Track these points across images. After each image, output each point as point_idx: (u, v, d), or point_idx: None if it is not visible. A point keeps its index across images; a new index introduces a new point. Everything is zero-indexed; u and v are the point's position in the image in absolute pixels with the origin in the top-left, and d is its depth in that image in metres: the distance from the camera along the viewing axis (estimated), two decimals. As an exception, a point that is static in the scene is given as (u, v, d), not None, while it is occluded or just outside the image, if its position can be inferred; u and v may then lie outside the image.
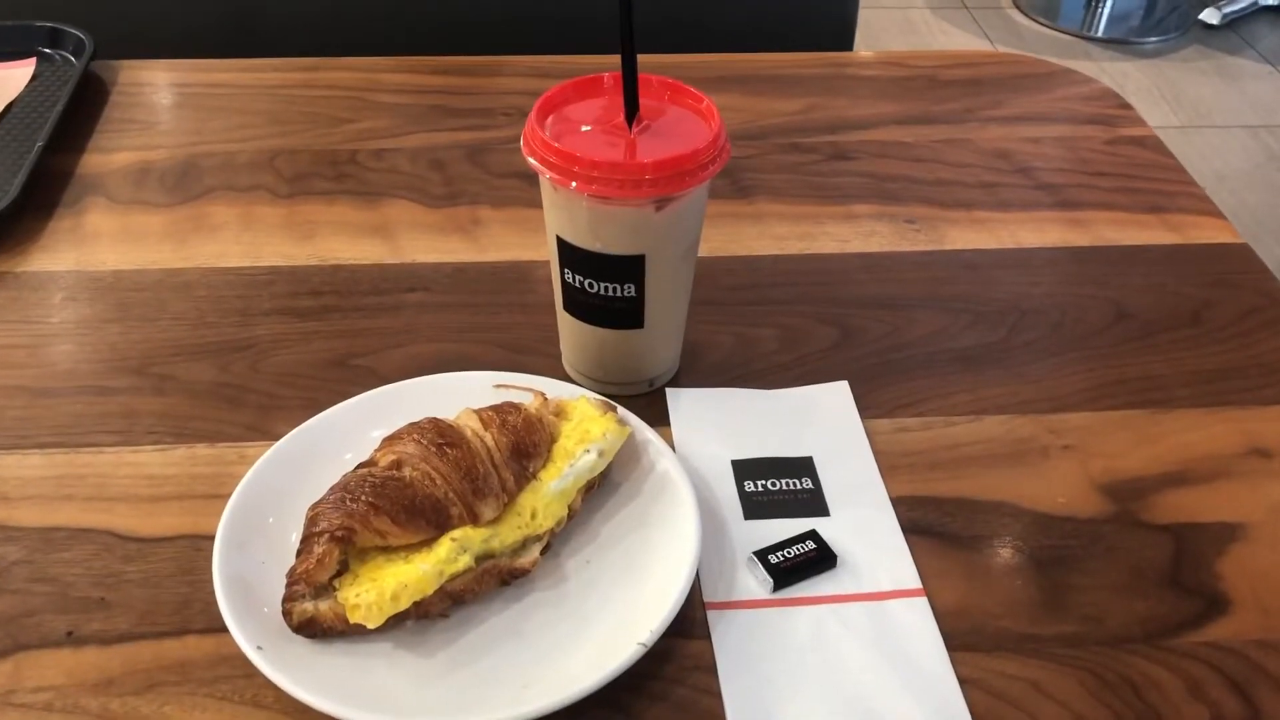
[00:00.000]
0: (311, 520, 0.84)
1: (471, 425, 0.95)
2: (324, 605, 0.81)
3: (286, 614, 0.81)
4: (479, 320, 1.23)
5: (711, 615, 0.86)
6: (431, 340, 1.20)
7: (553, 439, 0.98)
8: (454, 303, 1.26)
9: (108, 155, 1.51)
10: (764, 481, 1.04)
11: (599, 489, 0.94)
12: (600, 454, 0.97)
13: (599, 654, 0.79)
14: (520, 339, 1.21)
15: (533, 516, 0.87)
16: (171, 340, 1.20)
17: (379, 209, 1.41)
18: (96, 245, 1.35)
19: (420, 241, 1.35)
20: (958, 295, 1.29)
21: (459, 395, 1.00)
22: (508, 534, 0.86)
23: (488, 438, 0.94)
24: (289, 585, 0.82)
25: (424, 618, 0.84)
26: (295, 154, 1.51)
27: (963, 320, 1.26)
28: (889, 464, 1.06)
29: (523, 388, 1.05)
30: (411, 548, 0.84)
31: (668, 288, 1.06)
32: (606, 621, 0.84)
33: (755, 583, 0.88)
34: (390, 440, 0.94)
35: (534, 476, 0.91)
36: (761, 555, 0.89)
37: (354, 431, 1.00)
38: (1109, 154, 1.58)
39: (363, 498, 0.88)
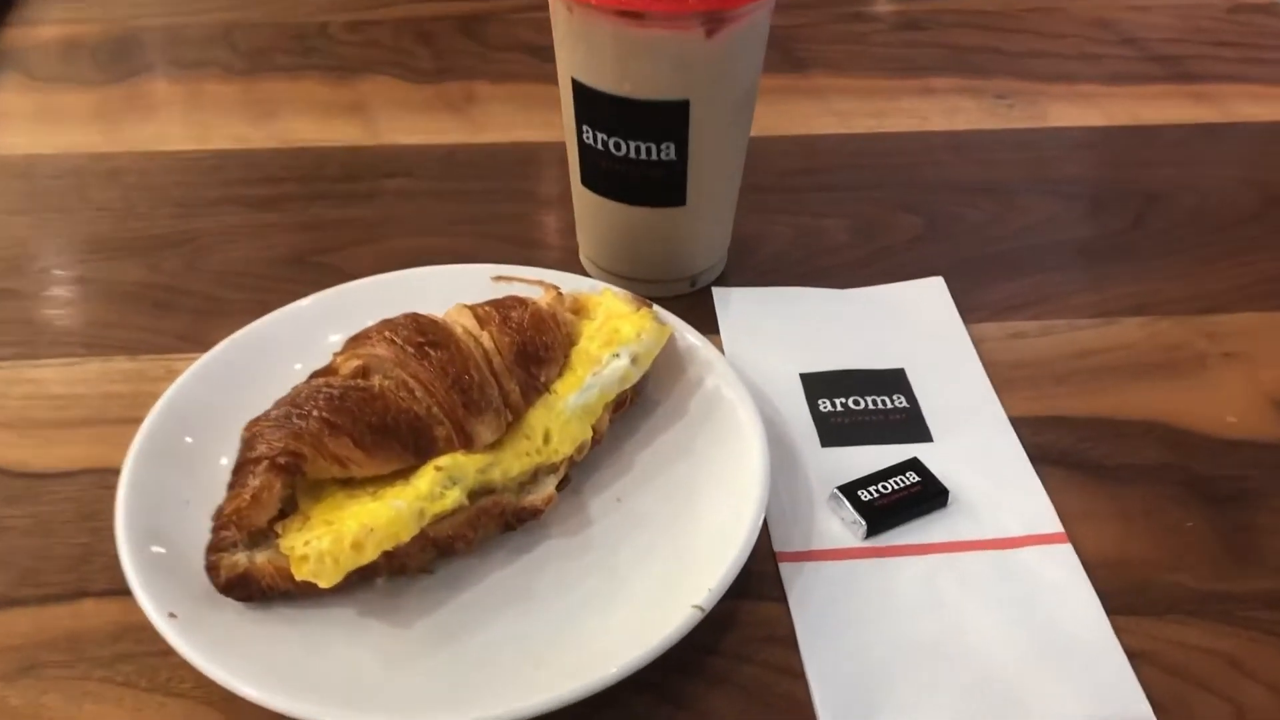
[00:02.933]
0: (248, 443, 0.62)
1: (463, 322, 0.73)
2: (261, 557, 0.61)
3: (211, 568, 0.60)
4: (473, 210, 1.01)
5: (785, 569, 0.67)
6: (414, 234, 0.99)
7: (570, 342, 0.76)
8: (443, 190, 1.04)
9: (32, 28, 1.29)
10: (844, 400, 0.81)
11: (632, 408, 0.78)
12: (633, 360, 0.74)
13: (636, 622, 0.63)
14: (525, 231, 0.99)
15: (545, 441, 0.67)
16: (92, 235, 0.99)
17: (353, 86, 1.19)
18: (7, 127, 1.12)
19: (402, 122, 1.13)
20: (1069, 178, 1.07)
21: (446, 293, 0.78)
22: (512, 463, 0.65)
23: (485, 338, 0.72)
24: (215, 530, 0.61)
25: (399, 574, 0.68)
26: (255, 27, 1.30)
27: (1078, 207, 1.03)
28: (1002, 378, 0.84)
29: (530, 280, 0.82)
30: (382, 481, 0.68)
31: (718, 149, 0.84)
32: (645, 579, 0.68)
33: (841, 526, 0.70)
34: (355, 341, 0.72)
35: (546, 389, 0.69)
36: (848, 491, 0.70)
37: (309, 337, 0.79)
38: (1231, 23, 1.35)
39: (315, 413, 0.65)
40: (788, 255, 0.98)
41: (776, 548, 0.71)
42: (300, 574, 0.62)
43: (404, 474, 0.68)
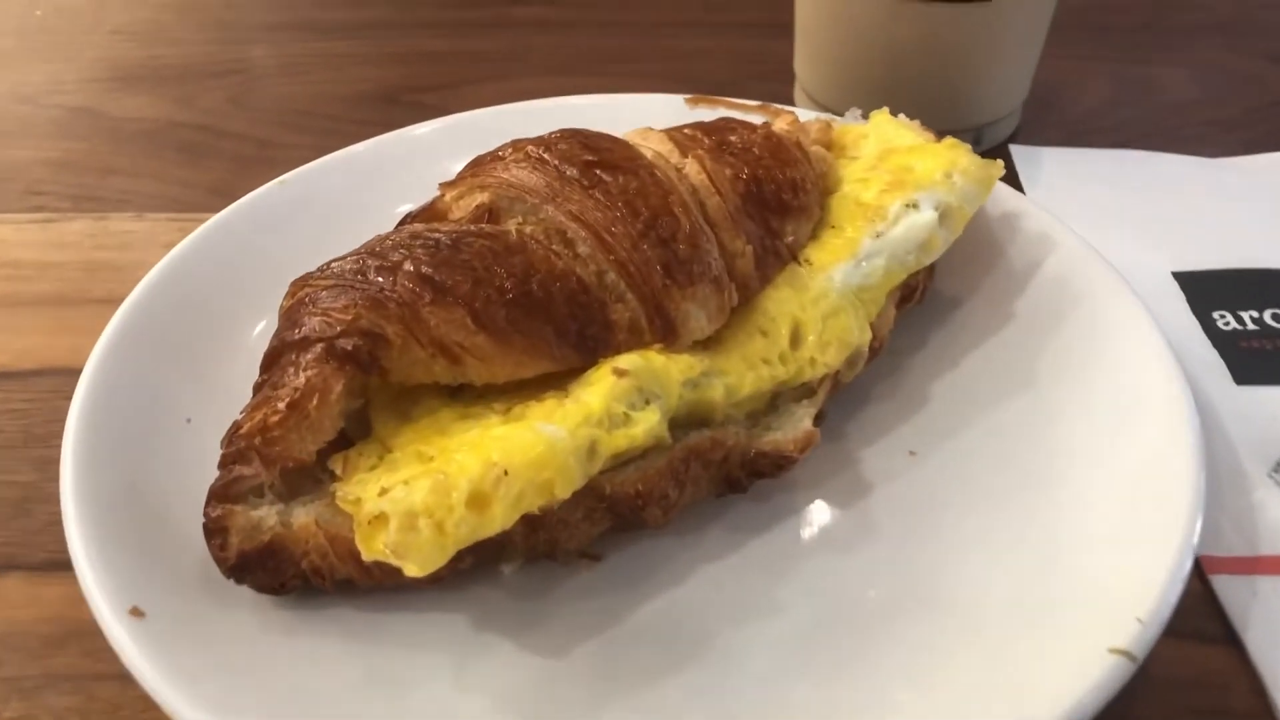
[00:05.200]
0: (289, 315, 0.33)
1: (656, 147, 0.43)
2: (304, 515, 0.31)
3: (215, 529, 0.34)
4: (636, 45, 0.75)
5: (1222, 587, 0.44)
6: (553, 72, 0.72)
7: (826, 186, 0.45)
8: (595, 20, 0.76)
9: None
10: (1256, 314, 0.51)
11: (924, 303, 0.51)
12: (942, 214, 0.44)
13: (992, 683, 0.35)
14: (711, 69, 0.72)
15: (795, 342, 0.42)
16: (106, 58, 0.72)
17: None
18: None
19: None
20: None
21: (619, 128, 0.48)
22: (743, 374, 0.41)
23: (690, 168, 0.42)
24: (225, 463, 0.30)
25: (543, 558, 0.43)
26: None
27: None
28: None
29: (747, 105, 0.52)
30: (519, 392, 0.42)
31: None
32: (990, 601, 0.40)
33: None
34: (477, 166, 0.42)
35: (793, 256, 0.39)
36: None
37: (401, 174, 0.49)
38: None
39: (409, 266, 0.36)
40: (1107, 112, 0.69)
41: (1201, 551, 0.40)
42: (371, 550, 0.33)
43: (557, 382, 0.39)
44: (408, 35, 0.76)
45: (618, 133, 0.50)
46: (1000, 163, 0.49)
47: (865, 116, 0.54)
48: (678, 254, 0.42)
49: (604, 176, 0.43)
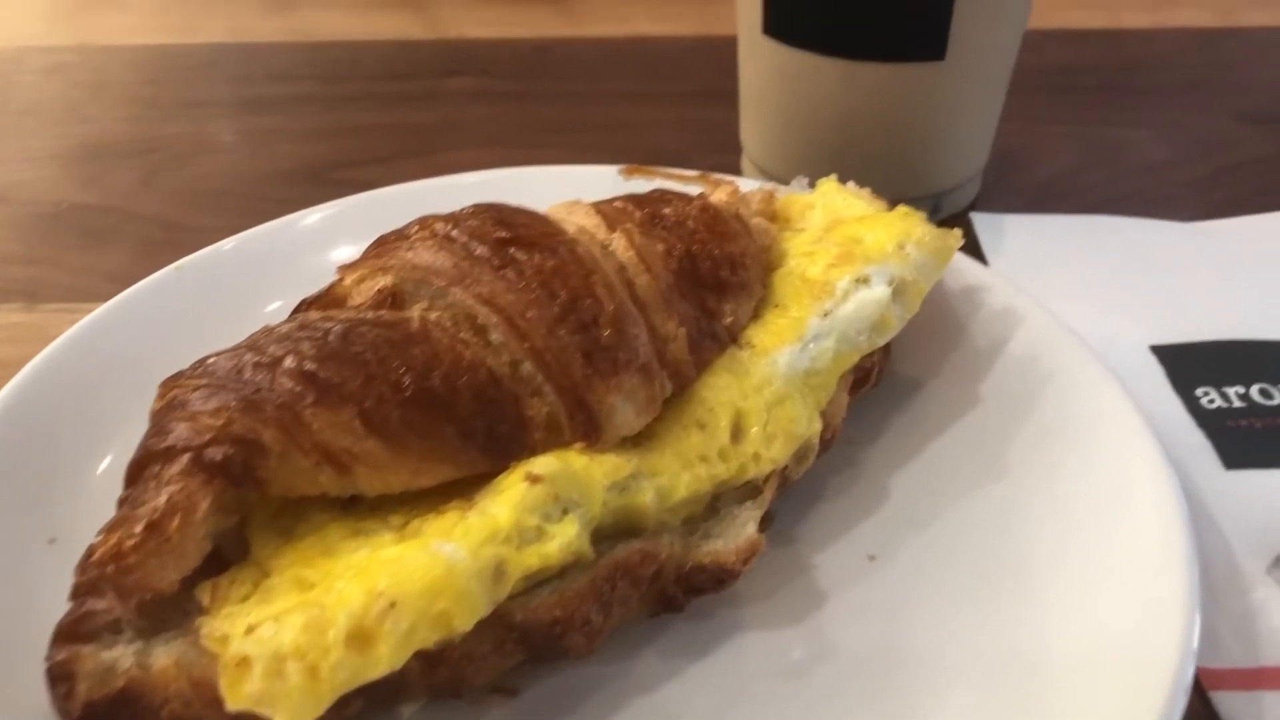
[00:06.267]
0: (158, 421, 0.26)
1: (579, 221, 0.39)
2: (165, 656, 0.34)
3: (60, 675, 0.34)
4: (573, 115, 0.71)
5: (1225, 705, 0.39)
6: (486, 144, 0.67)
7: (768, 261, 0.41)
8: (530, 92, 0.72)
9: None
10: (1243, 390, 0.47)
11: (880, 386, 0.47)
12: (895, 289, 0.40)
13: None
14: (650, 139, 0.69)
15: (736, 435, 0.36)
16: (11, 139, 0.67)
17: None
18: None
19: (472, 14, 0.82)
20: None
21: (546, 200, 0.44)
22: (677, 475, 0.35)
23: (617, 243, 0.38)
24: (76, 595, 0.33)
25: (447, 696, 0.37)
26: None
27: None
28: None
29: (685, 175, 0.48)
30: (417, 503, 0.36)
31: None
32: None
33: None
34: (383, 247, 0.38)
35: (733, 339, 0.34)
36: None
37: (310, 256, 0.45)
38: None
39: (291, 364, 0.31)
40: (1073, 175, 0.65)
41: (1199, 663, 0.35)
42: (236, 698, 0.28)
43: (464, 491, 0.34)
44: (334, 109, 0.72)
45: (546, 207, 0.46)
46: (958, 232, 0.45)
47: (812, 185, 0.50)
48: (600, 340, 0.37)
49: (518, 255, 0.39)
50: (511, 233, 0.39)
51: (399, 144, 0.69)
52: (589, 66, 0.77)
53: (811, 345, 0.41)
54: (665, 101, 0.73)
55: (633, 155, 0.68)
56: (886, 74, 0.54)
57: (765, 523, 0.41)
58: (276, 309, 0.44)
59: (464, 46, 0.79)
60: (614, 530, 0.37)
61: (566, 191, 0.50)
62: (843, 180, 0.56)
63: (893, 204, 0.58)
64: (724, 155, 0.65)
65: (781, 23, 0.55)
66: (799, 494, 0.42)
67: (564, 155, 0.69)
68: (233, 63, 0.77)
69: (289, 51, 0.79)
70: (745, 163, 0.63)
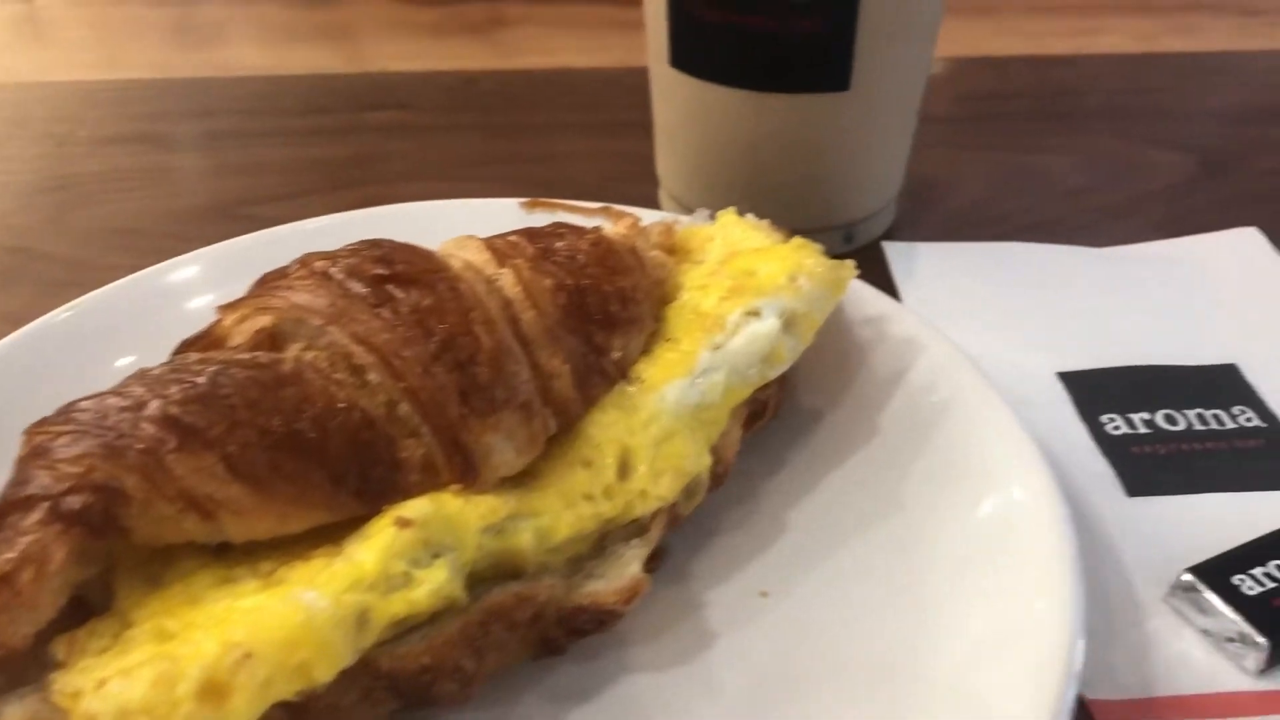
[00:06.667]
0: (19, 469, 0.25)
1: (467, 256, 0.38)
2: (16, 712, 0.33)
3: None
4: (497, 148, 0.70)
5: None
6: (407, 178, 0.67)
7: (662, 295, 0.41)
8: (454, 125, 0.72)
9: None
10: (1148, 416, 0.47)
11: (776, 420, 0.46)
12: (787, 321, 0.40)
13: None
14: (571, 172, 0.68)
15: (623, 473, 0.36)
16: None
17: (334, 8, 0.86)
18: None
19: (396, 47, 0.83)
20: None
21: (450, 235, 0.43)
22: (559, 515, 0.35)
23: (505, 279, 0.37)
24: None
25: None
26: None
27: None
28: None
29: (587, 209, 0.48)
30: (293, 547, 0.35)
31: (907, 9, 0.50)
32: None
33: (1205, 648, 0.42)
34: (265, 286, 0.37)
35: (622, 374, 0.34)
36: (1212, 577, 0.41)
37: (203, 296, 0.44)
38: None
39: (156, 409, 0.31)
40: (991, 203, 0.65)
41: (1087, 693, 0.35)
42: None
43: (335, 535, 0.33)
44: (250, 145, 0.71)
45: (441, 242, 0.45)
46: (851, 264, 0.45)
47: (714, 217, 0.50)
48: (477, 378, 0.37)
49: (396, 293, 0.38)
50: (390, 270, 0.39)
51: (314, 179, 0.68)
52: (513, 99, 0.76)
53: (701, 379, 0.40)
54: (589, 133, 0.73)
55: (554, 187, 0.68)
56: (792, 105, 0.54)
57: (656, 560, 0.40)
58: (162, 352, 0.43)
59: (385, 80, 0.78)
60: (494, 572, 0.36)
61: (468, 226, 0.49)
62: (756, 211, 0.56)
63: (805, 234, 0.58)
64: (645, 185, 0.65)
65: (687, 56, 0.55)
66: (695, 529, 0.42)
67: (484, 188, 0.68)
68: (149, 98, 0.76)
69: (207, 87, 0.78)
70: (662, 194, 0.63)
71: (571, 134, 0.72)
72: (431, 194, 0.66)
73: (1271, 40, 0.83)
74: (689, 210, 0.60)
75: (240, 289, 0.42)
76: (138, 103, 0.76)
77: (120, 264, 0.61)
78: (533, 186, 0.67)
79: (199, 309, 0.46)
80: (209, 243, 0.58)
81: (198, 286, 0.50)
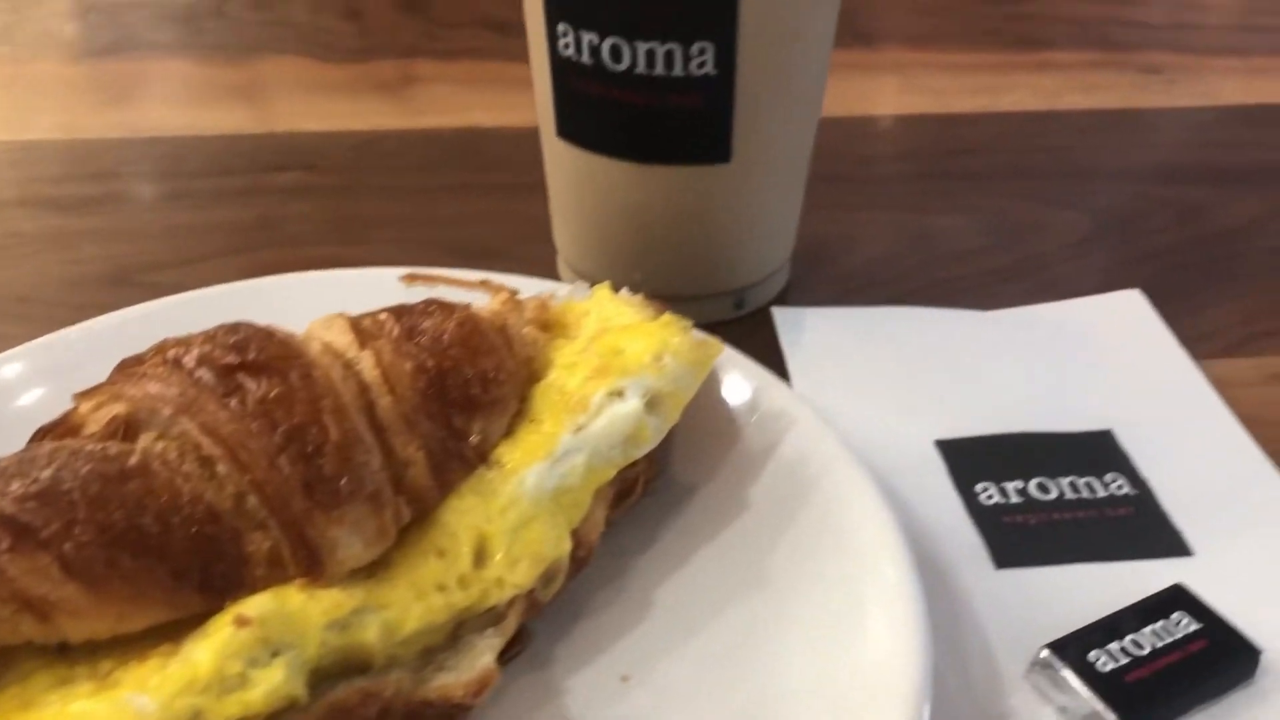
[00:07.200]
0: None
1: (328, 339, 0.38)
2: None
3: None
4: (401, 210, 0.70)
5: None
6: (308, 242, 0.67)
7: (530, 375, 0.41)
8: (358, 186, 0.73)
9: None
10: (1021, 485, 0.47)
11: (646, 497, 0.47)
12: (651, 404, 0.40)
13: None
14: (477, 236, 0.68)
15: (479, 561, 0.36)
16: None
17: (247, 66, 0.88)
18: None
19: (309, 106, 0.82)
20: (1268, 166, 0.74)
21: (328, 309, 0.43)
22: (409, 607, 0.31)
23: (365, 361, 0.37)
24: None
25: None
26: (122, 6, 0.98)
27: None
28: (1271, 441, 0.52)
29: (466, 282, 0.48)
30: (131, 647, 0.35)
31: (787, 59, 0.51)
32: None
33: None
34: (123, 372, 0.37)
35: (482, 458, 0.34)
36: (1069, 653, 0.42)
37: (71, 377, 0.44)
38: None
39: (-10, 506, 0.31)
40: (885, 264, 0.66)
41: (945, 775, 0.36)
42: None
43: (176, 633, 0.32)
44: (154, 208, 0.71)
45: (318, 315, 0.45)
46: (717, 341, 0.45)
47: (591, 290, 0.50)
48: (323, 471, 0.36)
49: (246, 382, 0.38)
50: (241, 359, 0.38)
51: (216, 244, 0.67)
52: (419, 159, 0.76)
53: (562, 463, 0.40)
54: (493, 194, 0.73)
55: (455, 251, 0.68)
56: (676, 176, 0.54)
57: (518, 646, 0.40)
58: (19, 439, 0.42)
59: (292, 140, 0.78)
60: (341, 668, 0.36)
61: (347, 298, 0.49)
62: (648, 277, 0.57)
63: (697, 300, 0.59)
64: (546, 248, 0.65)
65: (572, 127, 0.55)
66: (561, 612, 0.41)
67: (383, 251, 0.68)
68: (55, 160, 0.76)
69: (115, 148, 0.77)
70: (560, 260, 0.64)
71: (476, 195, 0.72)
72: (331, 258, 0.66)
73: (1169, 98, 0.85)
74: (582, 275, 0.61)
75: (102, 373, 0.42)
76: (42, 164, 0.75)
77: (13, 334, 0.60)
78: (434, 249, 0.68)
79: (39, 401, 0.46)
80: (105, 309, 0.57)
81: (35, 379, 0.49)
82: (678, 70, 0.50)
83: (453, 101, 0.83)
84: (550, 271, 0.64)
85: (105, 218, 0.70)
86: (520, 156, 0.70)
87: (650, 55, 0.50)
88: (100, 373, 0.42)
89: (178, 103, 0.84)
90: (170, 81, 0.87)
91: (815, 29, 0.53)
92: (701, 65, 0.50)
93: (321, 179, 0.74)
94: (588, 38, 0.51)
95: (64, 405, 0.41)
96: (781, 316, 0.59)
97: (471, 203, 0.72)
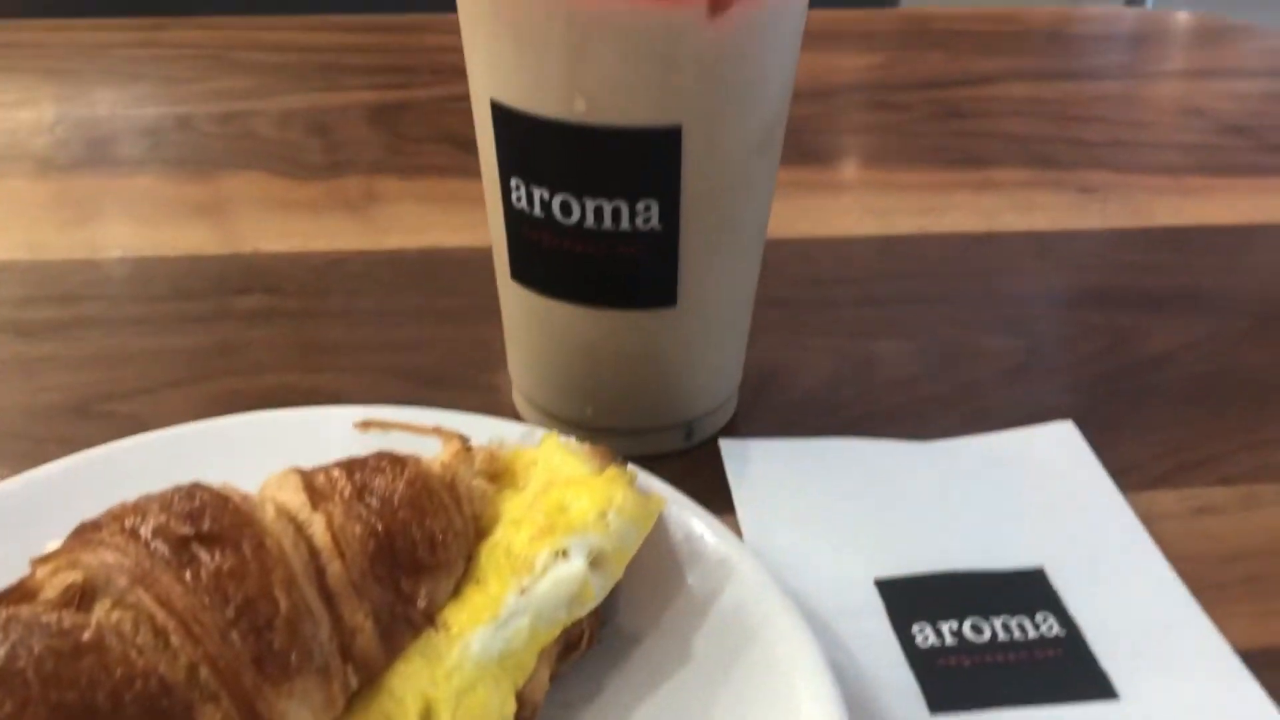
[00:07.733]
0: None
1: (282, 499, 0.40)
2: None
3: None
4: (364, 335, 0.71)
5: None
6: (267, 369, 0.68)
7: (478, 530, 0.43)
8: (321, 310, 0.74)
9: None
10: (956, 625, 0.49)
11: (591, 651, 0.47)
12: (594, 562, 0.41)
13: None
14: (438, 364, 0.70)
15: None
16: None
17: (211, 183, 0.90)
18: None
19: (273, 225, 0.84)
20: (1204, 290, 0.77)
21: (283, 457, 0.44)
22: None
23: (316, 525, 0.38)
24: None
25: None
26: (89, 121, 0.99)
27: (1236, 326, 0.73)
28: (1201, 578, 0.53)
29: (420, 428, 0.49)
30: None
31: (729, 213, 0.54)
32: None
33: None
34: (80, 537, 0.38)
35: (429, 621, 0.35)
36: None
37: (27, 530, 0.45)
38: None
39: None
40: (826, 392, 0.68)
41: None
42: None
43: (126, 811, 0.33)
44: (115, 333, 0.71)
45: (288, 455, 0.46)
46: (660, 496, 0.47)
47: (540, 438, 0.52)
48: (273, 644, 0.37)
49: (200, 554, 0.39)
50: (196, 528, 0.39)
51: (173, 371, 0.68)
52: (381, 281, 0.78)
53: (507, 625, 0.42)
54: (454, 318, 0.74)
55: (412, 378, 0.69)
56: (625, 319, 0.56)
57: (460, 811, 0.41)
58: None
59: (256, 261, 0.80)
60: (284, 841, 0.37)
61: (307, 437, 0.51)
62: (600, 410, 0.59)
63: (648, 432, 0.61)
64: (501, 376, 0.66)
65: (524, 270, 0.57)
66: (506, 771, 0.43)
67: (341, 380, 0.69)
68: (16, 283, 0.77)
69: (78, 270, 0.78)
70: (515, 390, 0.65)
71: (434, 321, 0.74)
72: (291, 386, 0.68)
73: (1104, 218, 0.88)
74: (537, 407, 0.62)
75: (55, 524, 0.43)
76: (6, 286, 0.76)
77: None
78: (392, 377, 0.69)
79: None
80: (63, 442, 0.58)
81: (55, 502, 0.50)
82: (625, 225, 0.52)
83: (417, 221, 0.85)
84: (506, 399, 0.65)
85: (66, 343, 0.70)
86: (479, 278, 0.71)
87: (599, 211, 0.52)
88: (53, 525, 0.43)
89: (140, 220, 0.85)
90: (132, 198, 0.88)
91: (756, 182, 0.56)
92: (647, 220, 0.52)
93: (282, 302, 0.75)
94: (539, 193, 0.53)
95: (14, 560, 0.41)
96: (728, 449, 0.60)
97: (429, 328, 0.73)
